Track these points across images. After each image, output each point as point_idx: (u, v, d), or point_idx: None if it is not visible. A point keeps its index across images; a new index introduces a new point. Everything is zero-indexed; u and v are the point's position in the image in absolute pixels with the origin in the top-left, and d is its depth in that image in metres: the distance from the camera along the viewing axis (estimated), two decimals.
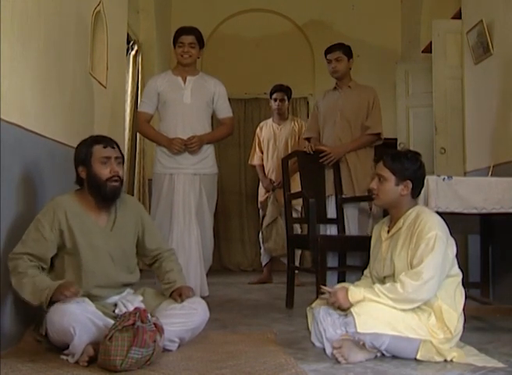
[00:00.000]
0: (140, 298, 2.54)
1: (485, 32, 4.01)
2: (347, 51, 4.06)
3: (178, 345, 2.43)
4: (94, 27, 3.49)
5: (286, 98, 5.22)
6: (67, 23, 3.05)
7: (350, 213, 3.90)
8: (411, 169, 2.45)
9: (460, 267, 2.47)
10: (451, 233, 2.44)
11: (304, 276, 4.93)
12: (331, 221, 3.91)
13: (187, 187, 3.68)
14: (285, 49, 6.63)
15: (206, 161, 3.77)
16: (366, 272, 2.65)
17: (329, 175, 3.96)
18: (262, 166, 5.29)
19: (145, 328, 2.10)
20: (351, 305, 2.31)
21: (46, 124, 2.76)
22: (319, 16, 6.65)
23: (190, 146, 3.66)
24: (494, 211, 2.96)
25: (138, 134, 5.13)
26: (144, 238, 2.66)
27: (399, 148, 5.42)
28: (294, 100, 6.45)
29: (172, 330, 2.37)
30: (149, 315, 2.20)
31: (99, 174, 2.45)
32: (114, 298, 2.50)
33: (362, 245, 2.90)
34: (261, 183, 5.32)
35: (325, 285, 2.79)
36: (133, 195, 5.22)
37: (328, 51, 4.08)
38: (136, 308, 2.20)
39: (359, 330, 2.24)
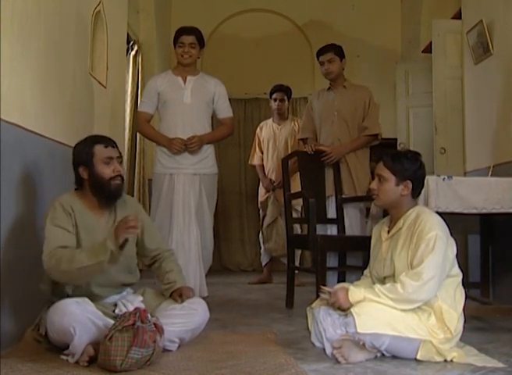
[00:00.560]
0: (140, 298, 2.53)
1: (485, 32, 4.01)
2: (339, 51, 4.06)
3: (178, 345, 2.43)
4: (94, 27, 3.49)
5: (285, 97, 5.22)
6: (67, 23, 3.05)
7: (351, 213, 3.90)
8: (411, 169, 2.45)
9: (460, 267, 2.47)
10: (451, 234, 2.44)
11: (304, 276, 4.93)
12: (331, 221, 3.91)
13: (187, 187, 3.68)
14: (285, 49, 6.63)
15: (206, 161, 3.77)
16: (366, 272, 2.65)
17: (329, 175, 3.96)
18: (262, 166, 5.29)
19: (145, 328, 2.10)
20: (351, 305, 2.31)
21: (46, 124, 2.76)
22: (319, 16, 6.65)
23: (190, 146, 3.66)
24: (494, 211, 2.96)
25: (138, 134, 5.13)
26: (143, 238, 2.65)
27: (399, 148, 5.43)
28: (294, 100, 6.45)
29: (172, 331, 2.37)
30: (149, 315, 2.20)
31: (102, 174, 2.44)
32: (114, 298, 2.50)
33: (362, 245, 2.90)
34: (261, 184, 5.32)
35: (325, 285, 2.79)
36: (133, 195, 5.23)
37: (319, 53, 4.08)
38: (136, 309, 2.20)
39: (359, 331, 2.24)
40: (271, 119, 5.36)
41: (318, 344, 2.43)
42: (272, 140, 5.23)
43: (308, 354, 2.42)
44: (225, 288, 4.80)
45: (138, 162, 5.42)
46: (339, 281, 3.65)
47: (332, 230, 3.91)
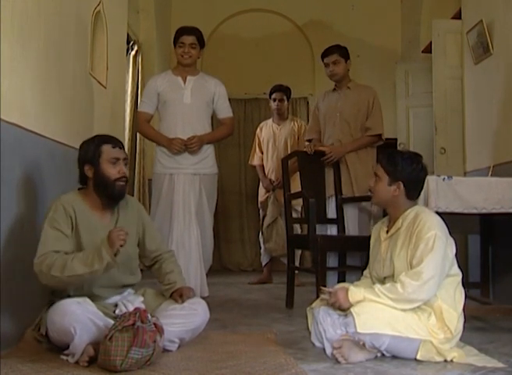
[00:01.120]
0: (141, 298, 2.53)
1: (485, 32, 4.01)
2: (344, 52, 4.03)
3: (178, 346, 2.43)
4: (94, 27, 3.49)
5: (285, 98, 5.21)
6: (67, 23, 3.05)
7: (350, 213, 3.90)
8: (405, 171, 2.43)
9: (460, 267, 2.46)
10: (451, 234, 2.44)
11: (304, 276, 4.93)
12: (331, 221, 3.91)
13: (187, 187, 3.68)
14: (285, 49, 6.64)
15: (206, 161, 3.77)
16: (366, 272, 2.65)
17: (329, 175, 3.96)
18: (262, 166, 5.30)
19: (145, 328, 2.10)
20: (351, 305, 2.31)
21: (46, 124, 2.76)
22: (319, 16, 6.65)
23: (189, 146, 3.66)
24: (494, 211, 2.96)
25: (138, 134, 5.13)
26: (144, 239, 2.65)
27: (399, 148, 5.42)
28: (294, 100, 6.45)
29: (172, 331, 2.37)
30: (149, 315, 2.20)
31: (108, 174, 2.44)
32: (115, 299, 2.50)
33: (362, 245, 2.90)
34: (261, 184, 5.32)
35: (325, 285, 2.80)
36: (133, 195, 5.23)
37: (324, 54, 4.06)
38: (136, 309, 2.20)
39: (359, 330, 2.24)
40: (271, 120, 5.36)
41: (318, 344, 2.43)
42: (271, 140, 5.24)
43: (308, 354, 2.42)
44: (225, 288, 4.80)
45: (138, 162, 5.42)
46: (339, 281, 3.65)
47: (331, 230, 3.91)
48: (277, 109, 5.22)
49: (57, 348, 2.30)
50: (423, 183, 2.53)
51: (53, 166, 2.83)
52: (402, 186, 2.44)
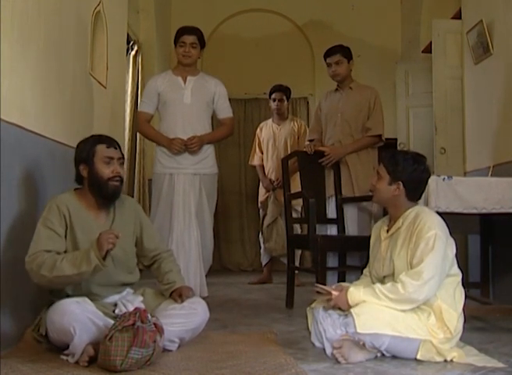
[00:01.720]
0: (141, 298, 2.53)
1: (485, 32, 4.01)
2: (347, 53, 4.02)
3: (178, 345, 2.43)
4: (94, 27, 3.49)
5: (284, 98, 5.21)
6: (67, 23, 3.05)
7: (350, 213, 3.90)
8: (406, 171, 2.43)
9: (460, 267, 2.46)
10: (451, 234, 2.44)
11: (304, 276, 4.93)
12: (331, 221, 3.91)
13: (187, 187, 3.68)
14: (285, 49, 6.64)
15: (206, 161, 3.77)
16: (365, 271, 2.65)
17: (329, 175, 3.96)
18: (262, 166, 5.30)
19: (145, 328, 2.10)
20: (350, 307, 2.31)
21: (46, 124, 2.76)
22: (319, 16, 6.65)
23: (190, 146, 3.66)
24: (494, 211, 2.96)
25: (138, 134, 5.13)
26: (142, 238, 2.65)
27: (399, 148, 5.42)
28: (294, 100, 6.45)
29: (172, 331, 2.37)
30: (149, 315, 2.20)
31: (101, 173, 2.45)
32: (114, 298, 2.50)
33: (362, 245, 2.90)
34: (261, 184, 5.32)
35: (324, 285, 2.79)
36: (133, 195, 5.23)
37: (327, 54, 4.04)
38: (136, 309, 2.20)
39: (359, 331, 2.24)
40: (270, 120, 5.36)
41: (318, 344, 2.43)
42: (271, 140, 5.24)
43: (308, 354, 2.42)
44: (225, 288, 4.80)
45: (138, 162, 5.42)
46: (339, 281, 3.65)
47: (331, 230, 3.91)
48: (277, 109, 5.22)
49: (57, 348, 2.30)
50: (425, 185, 2.53)
51: (53, 166, 2.83)
52: (402, 186, 2.44)
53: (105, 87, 3.71)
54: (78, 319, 2.20)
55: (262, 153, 5.31)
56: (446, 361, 2.29)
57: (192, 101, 3.74)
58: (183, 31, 3.78)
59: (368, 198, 3.40)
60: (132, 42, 5.32)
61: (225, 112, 3.89)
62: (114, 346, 2.05)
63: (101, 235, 2.25)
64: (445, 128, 4.63)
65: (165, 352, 2.33)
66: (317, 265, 3.39)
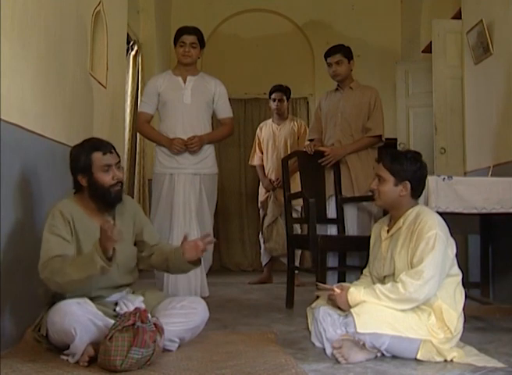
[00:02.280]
0: (141, 298, 2.53)
1: (485, 32, 4.01)
2: (347, 53, 4.02)
3: (178, 345, 2.43)
4: (94, 27, 3.49)
5: (284, 98, 5.21)
6: (67, 23, 3.05)
7: (350, 213, 3.89)
8: (410, 170, 2.45)
9: (460, 267, 2.46)
10: (451, 233, 2.44)
11: (304, 276, 4.93)
12: (331, 221, 3.91)
13: (187, 187, 3.68)
14: (285, 49, 6.64)
15: (206, 161, 3.77)
16: (365, 271, 2.65)
17: (329, 175, 3.96)
18: (262, 166, 5.30)
19: (145, 328, 2.10)
20: (351, 307, 2.31)
21: (46, 124, 2.76)
22: (319, 16, 6.65)
23: (190, 146, 3.66)
24: (494, 211, 2.96)
25: (138, 134, 5.12)
26: (142, 235, 2.64)
27: (399, 148, 5.42)
28: (294, 100, 6.46)
29: (173, 330, 2.37)
30: (149, 315, 2.20)
31: (102, 182, 2.42)
32: (114, 297, 2.50)
33: (362, 245, 2.90)
34: (261, 183, 5.32)
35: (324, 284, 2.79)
36: (133, 195, 5.23)
37: (327, 54, 4.03)
38: (136, 309, 2.20)
39: (359, 330, 2.24)
40: (270, 120, 5.36)
41: (318, 344, 2.43)
42: (271, 140, 5.24)
43: (308, 354, 2.42)
44: (225, 288, 4.80)
45: (138, 162, 5.42)
46: (339, 281, 3.65)
47: (331, 230, 3.91)
48: (277, 109, 5.22)
49: (57, 348, 2.30)
50: (425, 181, 2.54)
51: (53, 166, 2.82)
52: (409, 185, 2.44)
53: (105, 87, 3.71)
54: (79, 320, 2.19)
55: (262, 153, 5.31)
56: (446, 361, 2.29)
57: (192, 101, 3.74)
58: (182, 31, 3.78)
59: (368, 198, 3.41)
60: (132, 42, 5.32)
61: (226, 112, 3.89)
62: (114, 346, 2.05)
63: (101, 238, 2.21)
64: (445, 128, 4.63)
65: (165, 352, 2.33)
66: (317, 265, 3.39)
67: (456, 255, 2.45)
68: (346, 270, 3.83)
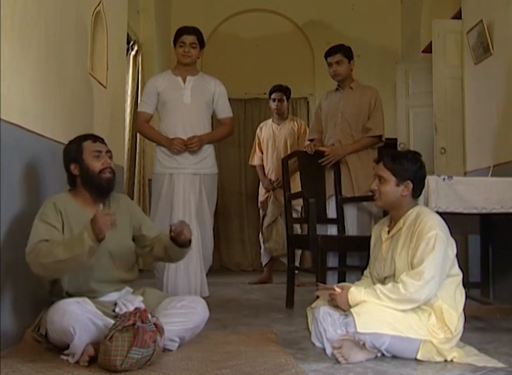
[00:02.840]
0: (141, 298, 2.53)
1: (485, 32, 4.01)
2: (348, 52, 4.01)
3: (178, 345, 2.43)
4: (94, 27, 3.49)
5: (284, 98, 5.21)
6: (67, 23, 3.05)
7: (350, 213, 3.89)
8: (411, 169, 2.45)
9: (460, 267, 2.47)
10: (451, 233, 2.44)
11: (304, 276, 4.93)
12: (331, 221, 3.91)
13: (187, 186, 3.68)
14: (285, 49, 6.63)
15: (206, 161, 3.77)
16: (366, 272, 2.65)
17: (329, 175, 3.96)
18: (262, 166, 5.30)
19: (145, 328, 2.10)
20: (351, 307, 2.31)
21: (46, 124, 2.76)
22: (319, 16, 6.65)
23: (190, 146, 3.66)
24: (494, 211, 2.96)
25: (138, 134, 5.12)
26: (141, 230, 2.65)
27: (399, 148, 5.42)
28: (294, 100, 6.45)
29: (173, 330, 2.38)
30: (149, 315, 2.20)
31: (92, 167, 2.48)
32: (113, 296, 2.50)
33: (362, 245, 2.90)
34: (261, 184, 5.32)
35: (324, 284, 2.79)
36: (133, 195, 5.24)
37: (328, 54, 4.03)
38: (136, 309, 2.20)
39: (359, 330, 2.24)
40: (270, 120, 5.36)
41: (318, 344, 2.43)
42: (271, 140, 5.24)
43: (308, 354, 2.42)
44: (225, 288, 4.80)
45: (138, 162, 5.42)
46: (339, 281, 3.65)
47: (331, 230, 3.91)
48: (277, 109, 5.22)
49: (57, 348, 2.30)
50: (425, 181, 2.54)
51: (53, 166, 2.82)
52: (411, 185, 2.44)
53: (105, 87, 3.71)
54: (78, 319, 2.19)
55: (262, 153, 5.31)
56: (446, 361, 2.29)
57: (192, 101, 3.74)
58: (182, 31, 3.78)
59: (368, 198, 3.40)
60: (132, 42, 5.32)
61: (225, 112, 3.89)
62: (114, 346, 2.05)
63: (97, 218, 2.19)
64: (445, 128, 4.63)
65: (165, 352, 2.33)
66: (317, 265, 3.39)
67: (457, 255, 2.45)
68: (346, 270, 3.83)
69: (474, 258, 3.98)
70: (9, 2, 2.36)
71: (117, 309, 2.41)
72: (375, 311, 2.27)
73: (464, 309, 2.42)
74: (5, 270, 2.36)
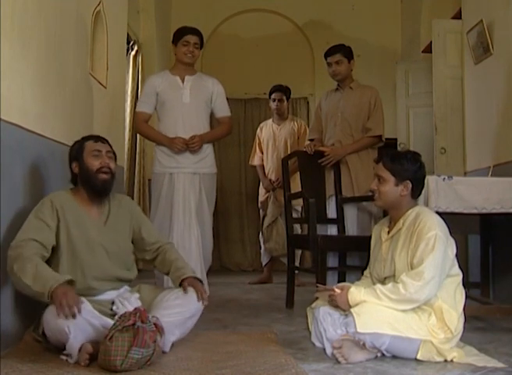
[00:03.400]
0: (137, 295, 2.54)
1: (485, 32, 4.01)
2: (348, 52, 4.01)
3: (176, 338, 2.43)
4: (94, 27, 3.49)
5: (284, 98, 5.21)
6: (67, 23, 3.05)
7: (350, 213, 3.89)
8: (411, 169, 2.45)
9: (460, 267, 2.47)
10: (451, 233, 2.44)
11: (304, 276, 4.93)
12: (331, 221, 3.91)
13: (187, 186, 3.68)
14: (285, 49, 6.63)
15: (205, 160, 3.77)
16: (366, 272, 2.65)
17: (329, 175, 3.96)
18: (262, 166, 5.30)
19: (145, 328, 2.10)
20: (351, 307, 2.31)
21: (46, 124, 2.76)
22: (319, 16, 6.65)
23: (191, 145, 3.66)
24: (494, 211, 2.96)
25: (138, 134, 5.12)
26: (141, 233, 2.68)
27: (399, 148, 5.42)
28: (294, 100, 6.45)
29: (171, 321, 2.38)
30: (149, 315, 2.20)
31: (90, 166, 2.52)
32: (111, 295, 2.51)
33: (362, 245, 2.90)
34: (261, 184, 5.32)
35: (324, 285, 2.79)
36: (133, 195, 5.24)
37: (327, 53, 4.03)
38: (136, 309, 2.19)
39: (359, 330, 2.24)
40: (271, 120, 5.36)
41: (318, 344, 2.43)
42: (271, 140, 5.24)
43: (308, 354, 2.42)
44: (225, 288, 4.80)
45: (138, 162, 5.42)
46: (339, 281, 3.65)
47: (331, 230, 3.91)
48: (277, 109, 5.22)
49: (57, 348, 2.29)
50: (424, 181, 2.54)
51: (53, 166, 2.83)
52: (410, 185, 2.44)
53: (105, 87, 3.71)
54: (73, 319, 2.19)
55: (262, 153, 5.31)
56: (446, 361, 2.29)
57: (191, 101, 3.75)
58: (186, 31, 3.79)
59: (368, 198, 3.40)
60: (132, 42, 5.32)
61: (224, 111, 3.90)
62: (114, 346, 2.05)
63: (60, 299, 2.16)
64: (445, 128, 4.63)
65: (165, 352, 2.33)
66: (317, 265, 3.39)
67: (457, 255, 2.45)
68: (346, 270, 3.83)
69: (474, 258, 3.98)
70: (9, 2, 2.36)
71: (114, 308, 2.42)
72: (375, 311, 2.27)
73: (464, 309, 2.42)
74: (4, 270, 2.36)
